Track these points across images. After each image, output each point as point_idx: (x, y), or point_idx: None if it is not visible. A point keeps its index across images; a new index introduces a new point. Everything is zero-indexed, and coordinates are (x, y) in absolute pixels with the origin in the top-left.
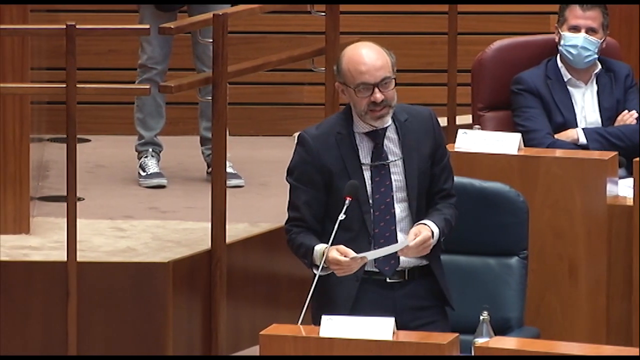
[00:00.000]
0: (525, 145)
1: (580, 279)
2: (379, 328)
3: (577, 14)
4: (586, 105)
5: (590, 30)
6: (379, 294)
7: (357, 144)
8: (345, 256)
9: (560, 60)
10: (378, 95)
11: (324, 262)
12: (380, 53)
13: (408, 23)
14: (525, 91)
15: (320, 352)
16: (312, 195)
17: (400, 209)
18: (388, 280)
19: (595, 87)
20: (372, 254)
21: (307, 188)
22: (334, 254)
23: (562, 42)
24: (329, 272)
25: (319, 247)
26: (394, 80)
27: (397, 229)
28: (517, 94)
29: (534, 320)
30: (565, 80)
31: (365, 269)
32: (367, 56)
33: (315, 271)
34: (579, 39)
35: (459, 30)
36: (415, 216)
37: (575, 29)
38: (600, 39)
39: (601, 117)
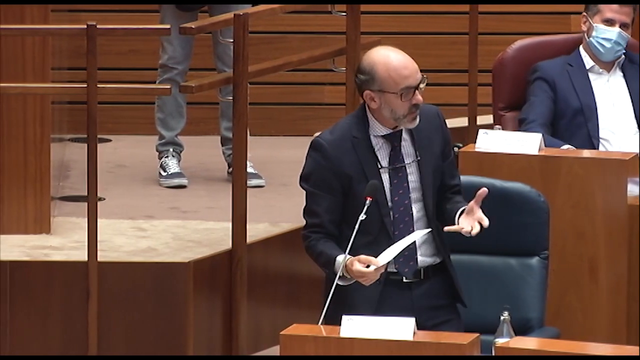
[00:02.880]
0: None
1: (601, 279)
2: (399, 328)
3: (613, 8)
4: (613, 91)
5: (623, 25)
6: (398, 294)
7: (374, 147)
8: (368, 265)
9: (584, 49)
10: (420, 97)
11: (346, 272)
12: (407, 55)
13: (429, 23)
14: (538, 79)
15: (341, 352)
16: (331, 200)
17: (416, 209)
18: (405, 280)
19: (620, 73)
20: (387, 255)
21: (326, 194)
22: (357, 266)
23: (593, 34)
24: (352, 282)
25: (341, 258)
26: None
27: (415, 229)
28: (530, 82)
29: (555, 320)
30: (587, 67)
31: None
32: (405, 60)
33: (339, 282)
34: (613, 33)
35: (480, 30)
36: (432, 215)
37: (610, 22)
38: (630, 35)
39: (633, 105)
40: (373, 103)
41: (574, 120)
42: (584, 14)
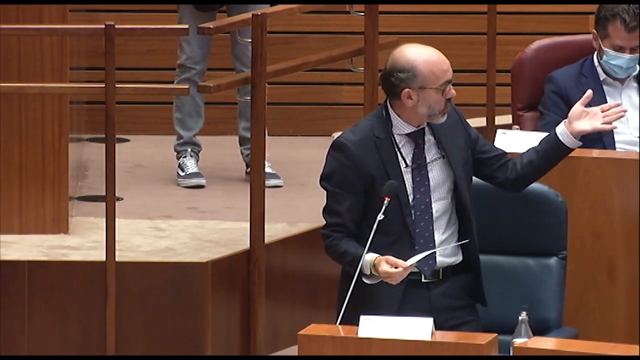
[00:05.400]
0: None
1: (619, 279)
2: (417, 328)
3: (622, 36)
4: (626, 103)
5: (633, 49)
6: (417, 294)
7: (398, 147)
8: (395, 267)
9: (597, 60)
10: (453, 91)
11: (374, 271)
12: None
13: (447, 23)
14: (553, 92)
15: (359, 352)
16: (353, 200)
17: (436, 209)
18: (423, 280)
19: (634, 85)
20: (414, 259)
21: (349, 194)
22: (384, 267)
23: (604, 58)
24: (378, 280)
25: (368, 257)
26: None
27: (434, 228)
28: (545, 92)
29: (573, 320)
30: (601, 79)
31: None
32: (441, 56)
33: (365, 280)
34: (623, 60)
35: (498, 30)
36: (457, 210)
37: (620, 48)
38: None
39: None
40: (410, 101)
41: (589, 135)
42: (594, 30)
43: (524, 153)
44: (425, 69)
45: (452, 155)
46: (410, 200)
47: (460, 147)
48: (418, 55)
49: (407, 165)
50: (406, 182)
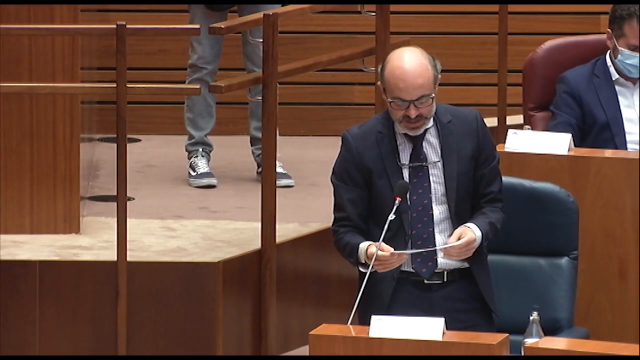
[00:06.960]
0: None
1: (630, 279)
2: (428, 328)
3: (637, 34)
4: (637, 104)
5: None
6: (415, 294)
7: (397, 144)
8: (383, 252)
9: (610, 59)
10: (412, 112)
11: (366, 258)
12: (423, 68)
13: (458, 23)
14: (565, 93)
15: (370, 352)
16: (355, 193)
17: (439, 211)
18: (426, 281)
19: None
20: (412, 251)
21: (350, 186)
22: (372, 249)
23: (619, 57)
24: (373, 269)
25: (364, 245)
26: (431, 98)
27: (436, 231)
28: (558, 94)
29: (584, 320)
30: (614, 79)
31: (402, 269)
32: (409, 73)
33: (361, 269)
34: (638, 59)
35: (510, 30)
36: (456, 218)
37: (635, 48)
38: None
39: None
40: (383, 95)
41: (600, 135)
42: (609, 29)
43: (484, 213)
44: (386, 74)
45: (448, 162)
46: (408, 200)
47: (464, 157)
48: (393, 59)
49: (403, 164)
50: (404, 180)
